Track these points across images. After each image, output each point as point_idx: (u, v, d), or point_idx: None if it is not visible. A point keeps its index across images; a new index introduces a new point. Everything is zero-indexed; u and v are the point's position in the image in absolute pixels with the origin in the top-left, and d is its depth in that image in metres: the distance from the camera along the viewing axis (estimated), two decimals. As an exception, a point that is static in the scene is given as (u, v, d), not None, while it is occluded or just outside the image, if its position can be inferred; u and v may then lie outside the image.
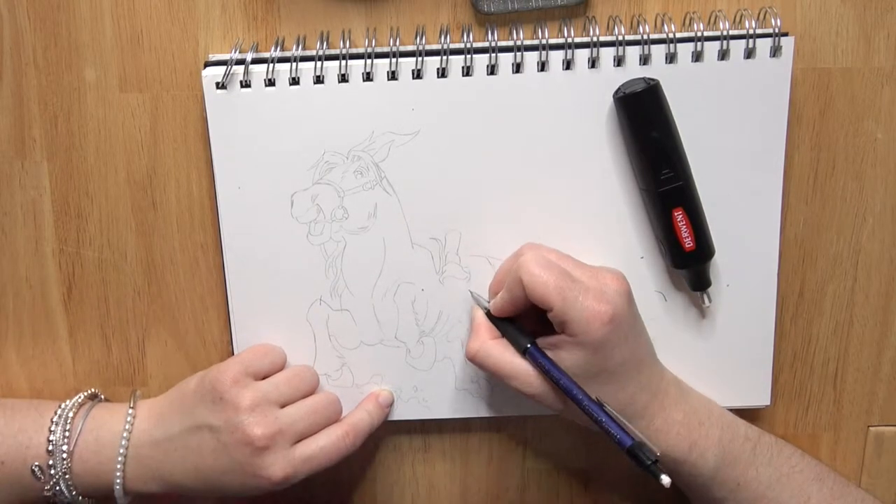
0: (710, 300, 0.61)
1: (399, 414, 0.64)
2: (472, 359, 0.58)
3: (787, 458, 0.60)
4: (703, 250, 0.60)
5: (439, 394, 0.64)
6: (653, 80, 0.57)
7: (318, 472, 0.59)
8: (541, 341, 0.57)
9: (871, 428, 0.67)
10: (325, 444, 0.59)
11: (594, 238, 0.61)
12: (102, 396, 0.63)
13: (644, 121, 0.57)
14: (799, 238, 0.63)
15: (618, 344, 0.55)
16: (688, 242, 0.59)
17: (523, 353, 0.57)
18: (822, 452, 0.68)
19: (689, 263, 0.60)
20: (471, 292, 0.61)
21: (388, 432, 0.67)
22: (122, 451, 0.58)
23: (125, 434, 0.59)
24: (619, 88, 0.58)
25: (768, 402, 0.64)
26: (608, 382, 0.56)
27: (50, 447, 0.58)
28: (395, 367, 0.63)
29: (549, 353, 0.56)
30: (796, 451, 0.61)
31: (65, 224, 0.63)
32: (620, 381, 0.56)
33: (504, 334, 0.59)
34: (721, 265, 0.61)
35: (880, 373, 0.66)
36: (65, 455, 0.58)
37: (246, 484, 0.57)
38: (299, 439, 0.58)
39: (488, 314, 0.60)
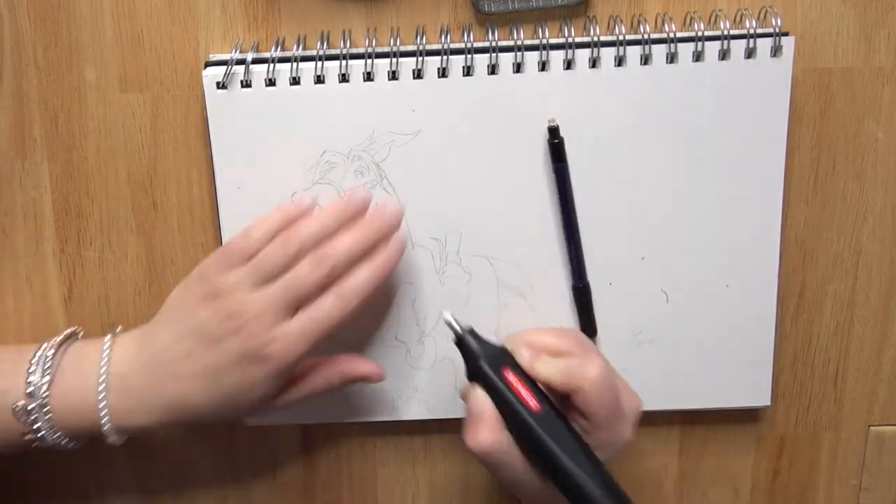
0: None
1: (399, 414, 0.64)
2: (489, 453, 0.52)
3: None
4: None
5: (439, 394, 0.64)
6: None
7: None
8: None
9: (871, 428, 0.67)
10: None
11: (594, 238, 0.61)
12: (81, 334, 0.60)
13: None
14: (799, 238, 0.63)
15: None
16: None
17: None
18: (823, 452, 0.68)
19: None
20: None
21: (387, 432, 0.67)
22: (101, 379, 0.55)
23: (104, 362, 0.56)
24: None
25: (769, 403, 0.64)
26: None
27: (30, 388, 0.55)
28: (395, 367, 0.63)
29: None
30: None
31: (65, 224, 0.63)
32: None
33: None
34: (721, 265, 0.61)
35: (881, 372, 0.66)
36: (45, 393, 0.55)
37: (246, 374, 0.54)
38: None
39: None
